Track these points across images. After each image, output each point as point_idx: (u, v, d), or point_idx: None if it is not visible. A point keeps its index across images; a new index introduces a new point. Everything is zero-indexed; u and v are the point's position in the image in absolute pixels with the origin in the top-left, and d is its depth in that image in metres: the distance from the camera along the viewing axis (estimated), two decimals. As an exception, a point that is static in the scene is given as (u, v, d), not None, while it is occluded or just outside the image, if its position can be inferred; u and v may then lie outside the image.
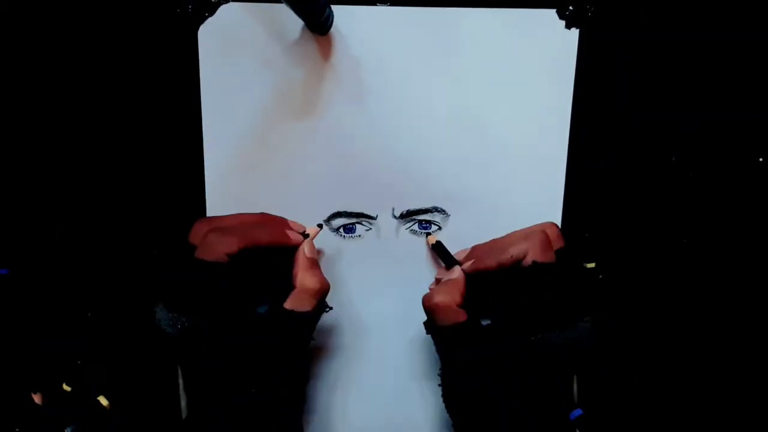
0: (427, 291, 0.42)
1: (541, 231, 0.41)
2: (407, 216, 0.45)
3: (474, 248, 0.43)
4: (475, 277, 0.41)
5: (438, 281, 0.44)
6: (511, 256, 0.40)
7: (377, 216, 0.45)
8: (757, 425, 0.48)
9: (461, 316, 0.39)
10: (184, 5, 0.43)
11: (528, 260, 0.40)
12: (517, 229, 0.43)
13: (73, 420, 0.38)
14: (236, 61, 0.43)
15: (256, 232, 0.40)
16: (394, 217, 0.45)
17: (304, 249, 0.41)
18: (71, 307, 0.48)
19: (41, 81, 0.45)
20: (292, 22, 0.42)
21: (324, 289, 0.41)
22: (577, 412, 0.39)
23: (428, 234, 0.45)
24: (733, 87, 0.44)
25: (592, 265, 0.46)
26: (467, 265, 0.42)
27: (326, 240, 0.45)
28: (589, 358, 0.40)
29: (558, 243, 0.41)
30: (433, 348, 0.42)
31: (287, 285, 0.41)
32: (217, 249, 0.38)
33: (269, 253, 0.40)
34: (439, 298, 0.40)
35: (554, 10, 0.42)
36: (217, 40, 0.43)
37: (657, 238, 0.46)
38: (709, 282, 0.47)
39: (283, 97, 0.44)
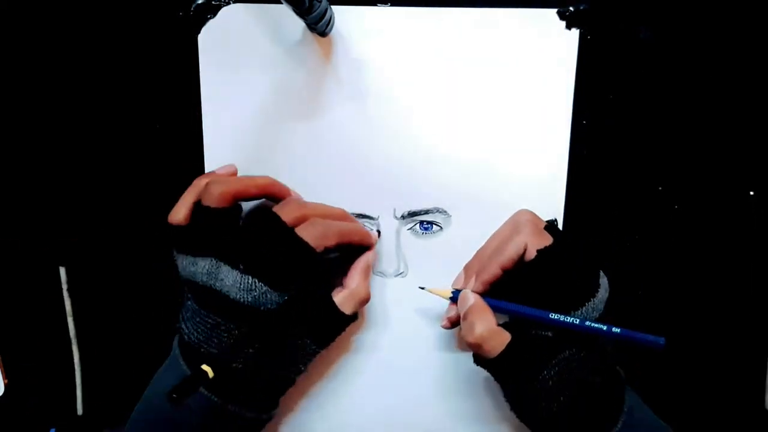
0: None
1: (526, 219, 0.40)
2: (408, 216, 0.45)
3: (465, 268, 0.43)
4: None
5: (451, 320, 0.43)
6: (511, 257, 0.39)
7: (378, 216, 0.45)
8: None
9: (506, 335, 0.38)
10: (186, 7, 0.43)
11: (531, 252, 0.39)
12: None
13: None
14: (236, 62, 0.44)
15: (351, 231, 0.41)
16: (395, 217, 0.45)
17: (369, 257, 0.43)
18: (72, 308, 0.48)
19: (41, 80, 0.45)
20: (292, 23, 0.43)
21: (367, 300, 0.42)
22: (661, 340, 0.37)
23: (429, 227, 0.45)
24: (733, 84, 0.44)
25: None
26: (474, 284, 0.41)
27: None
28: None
29: (541, 223, 0.41)
30: (432, 349, 0.41)
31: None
32: (321, 240, 0.39)
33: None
34: (480, 329, 0.38)
35: (555, 10, 0.42)
36: (217, 41, 0.43)
37: (657, 238, 0.46)
38: (708, 281, 0.46)
39: (284, 98, 0.44)
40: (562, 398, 0.37)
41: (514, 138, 0.44)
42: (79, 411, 0.49)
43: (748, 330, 0.47)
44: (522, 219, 0.41)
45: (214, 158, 0.45)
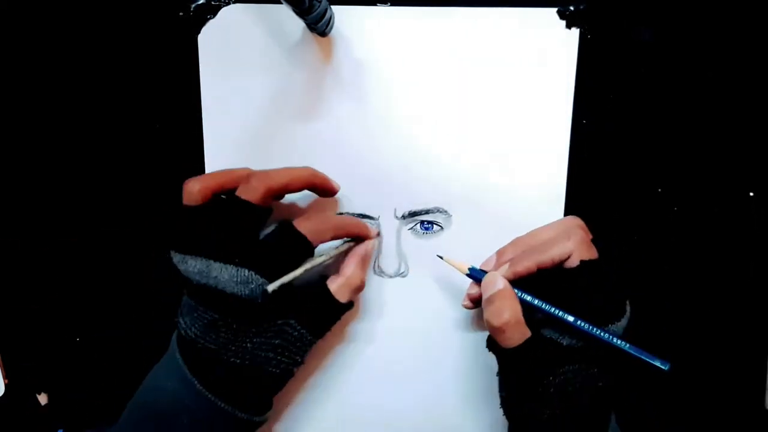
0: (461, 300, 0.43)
1: (578, 227, 0.39)
2: (409, 216, 0.45)
3: (499, 253, 0.42)
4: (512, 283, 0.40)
5: (473, 297, 0.42)
6: (553, 258, 0.39)
7: (379, 216, 0.45)
8: None
9: (527, 331, 0.38)
10: (186, 8, 0.43)
11: (574, 260, 0.38)
12: (520, 227, 0.43)
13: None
14: (236, 62, 0.43)
15: (348, 224, 0.42)
16: (396, 217, 0.45)
17: (368, 247, 0.43)
18: (72, 308, 0.48)
19: (41, 81, 0.45)
20: (292, 24, 0.43)
21: (361, 289, 0.43)
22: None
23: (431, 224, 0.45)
24: (733, 85, 0.44)
25: None
26: (505, 270, 0.40)
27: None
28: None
29: (590, 235, 0.41)
30: (430, 346, 0.41)
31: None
32: (318, 235, 0.40)
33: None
34: (508, 314, 0.37)
35: (555, 10, 0.42)
36: (217, 41, 0.43)
37: (657, 239, 0.46)
38: (708, 282, 0.46)
39: (284, 98, 0.44)
40: (557, 409, 0.37)
41: (515, 138, 0.44)
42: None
43: (748, 330, 0.47)
44: (573, 225, 0.40)
45: (214, 158, 0.45)
